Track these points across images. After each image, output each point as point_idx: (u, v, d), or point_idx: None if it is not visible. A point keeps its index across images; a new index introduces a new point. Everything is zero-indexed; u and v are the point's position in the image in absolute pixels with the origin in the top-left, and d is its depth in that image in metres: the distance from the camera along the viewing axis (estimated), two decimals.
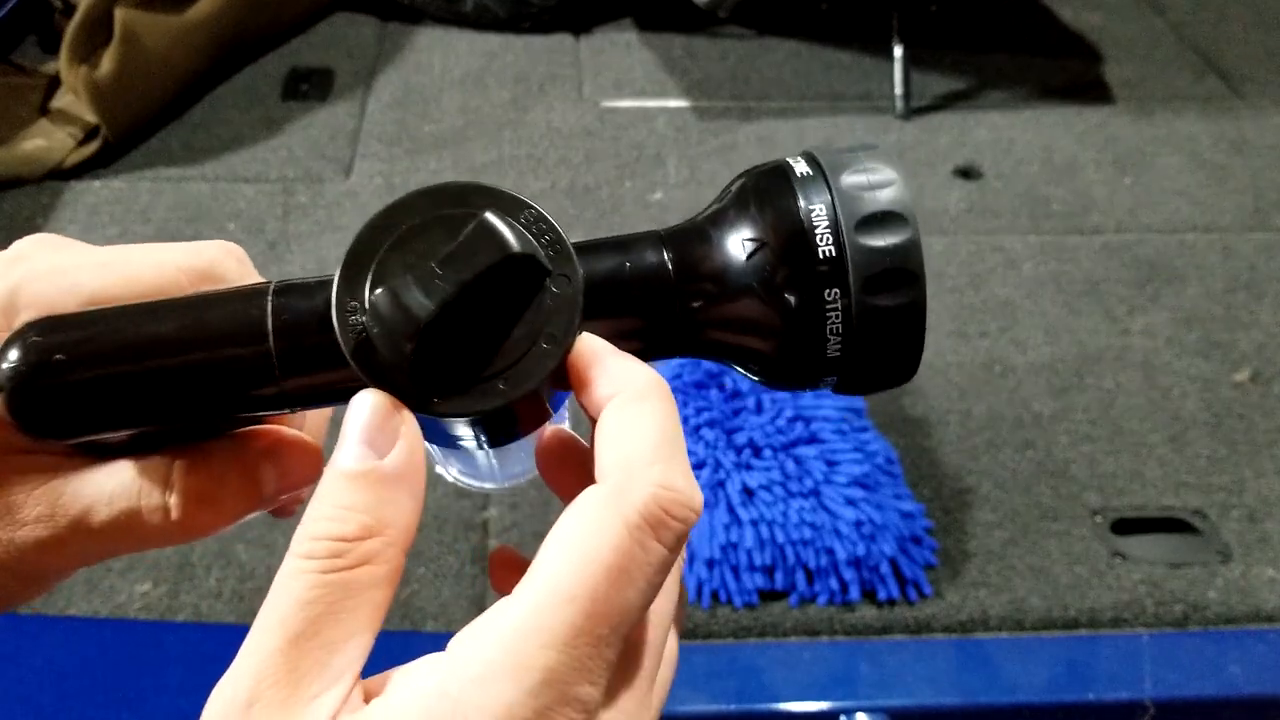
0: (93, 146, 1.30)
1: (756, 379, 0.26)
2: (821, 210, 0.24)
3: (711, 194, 1.15)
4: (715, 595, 0.81)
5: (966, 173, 1.36)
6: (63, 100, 1.34)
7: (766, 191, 0.25)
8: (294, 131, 1.38)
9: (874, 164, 0.24)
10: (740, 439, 0.86)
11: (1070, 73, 1.59)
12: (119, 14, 1.31)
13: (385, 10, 1.67)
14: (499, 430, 0.25)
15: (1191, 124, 1.46)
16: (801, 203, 0.24)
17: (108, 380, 0.24)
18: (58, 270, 0.25)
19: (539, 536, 0.85)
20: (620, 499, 0.22)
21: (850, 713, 0.75)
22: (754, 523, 0.81)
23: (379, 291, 0.23)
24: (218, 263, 0.27)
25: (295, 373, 0.24)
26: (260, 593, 0.82)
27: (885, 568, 0.81)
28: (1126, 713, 0.76)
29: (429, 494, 0.90)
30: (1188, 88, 1.55)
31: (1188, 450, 0.96)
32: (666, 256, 0.25)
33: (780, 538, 0.80)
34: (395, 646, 0.86)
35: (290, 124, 1.39)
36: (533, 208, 0.25)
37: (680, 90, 1.52)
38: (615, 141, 1.39)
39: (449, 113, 1.44)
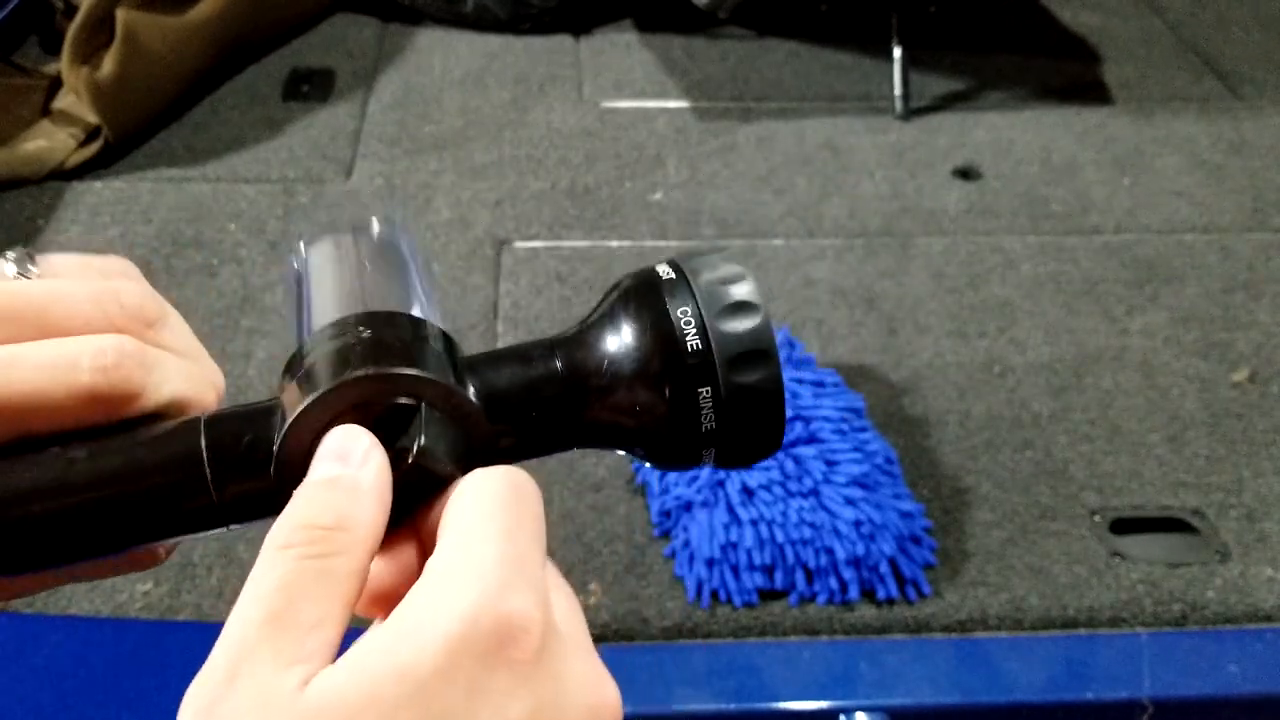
0: (94, 147, 1.30)
1: (645, 462, 0.30)
2: (688, 309, 0.28)
3: (711, 194, 1.16)
4: (715, 595, 0.82)
5: (966, 173, 1.36)
6: (64, 101, 1.34)
7: (641, 297, 0.28)
8: (295, 132, 1.38)
9: (727, 264, 0.28)
10: None
11: (1069, 73, 1.60)
12: (120, 15, 1.31)
13: (386, 11, 1.67)
14: None
15: (1190, 124, 1.46)
16: (670, 304, 0.28)
17: (32, 542, 0.25)
18: None
19: None
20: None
21: (850, 712, 0.75)
22: (753, 522, 0.81)
23: None
24: (119, 369, 0.26)
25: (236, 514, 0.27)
26: None
27: (884, 567, 0.81)
28: (1125, 712, 0.77)
29: None
30: (1186, 88, 1.56)
31: (1186, 450, 0.96)
32: (558, 365, 0.28)
33: (780, 537, 0.81)
34: None
35: (291, 124, 1.39)
36: (444, 386, 0.27)
37: (680, 91, 1.52)
38: (615, 142, 1.39)
39: (449, 113, 1.45)
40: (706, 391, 0.27)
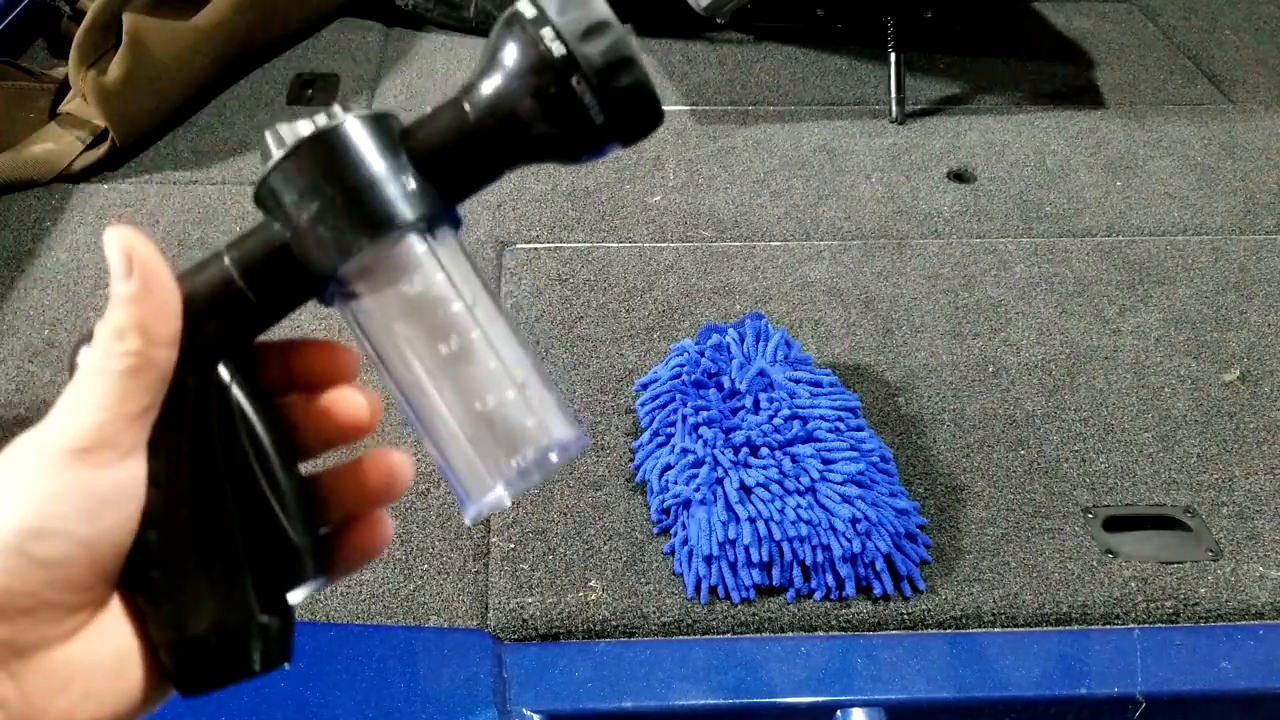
0: (101, 150, 1.31)
1: (562, 161, 0.35)
2: (547, 28, 0.32)
3: (710, 196, 1.17)
4: (713, 591, 0.83)
5: (960, 176, 1.38)
6: (71, 104, 1.35)
7: (507, 34, 0.34)
8: None
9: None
10: (738, 438, 0.88)
11: (1062, 77, 1.61)
12: (127, 19, 1.33)
13: (389, 17, 1.69)
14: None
15: (1182, 127, 1.47)
16: (531, 27, 0.33)
17: None
18: None
19: (540, 534, 0.87)
20: None
21: (846, 707, 0.76)
22: (751, 520, 0.83)
23: None
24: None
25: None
26: None
27: (880, 564, 0.82)
28: (1118, 707, 0.78)
29: (432, 493, 0.91)
30: (1178, 92, 1.57)
31: (1178, 449, 0.98)
32: (466, 109, 0.34)
33: (777, 534, 0.82)
34: (399, 641, 0.87)
35: None
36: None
37: (679, 95, 1.54)
38: None
39: None
40: (580, 78, 0.32)
